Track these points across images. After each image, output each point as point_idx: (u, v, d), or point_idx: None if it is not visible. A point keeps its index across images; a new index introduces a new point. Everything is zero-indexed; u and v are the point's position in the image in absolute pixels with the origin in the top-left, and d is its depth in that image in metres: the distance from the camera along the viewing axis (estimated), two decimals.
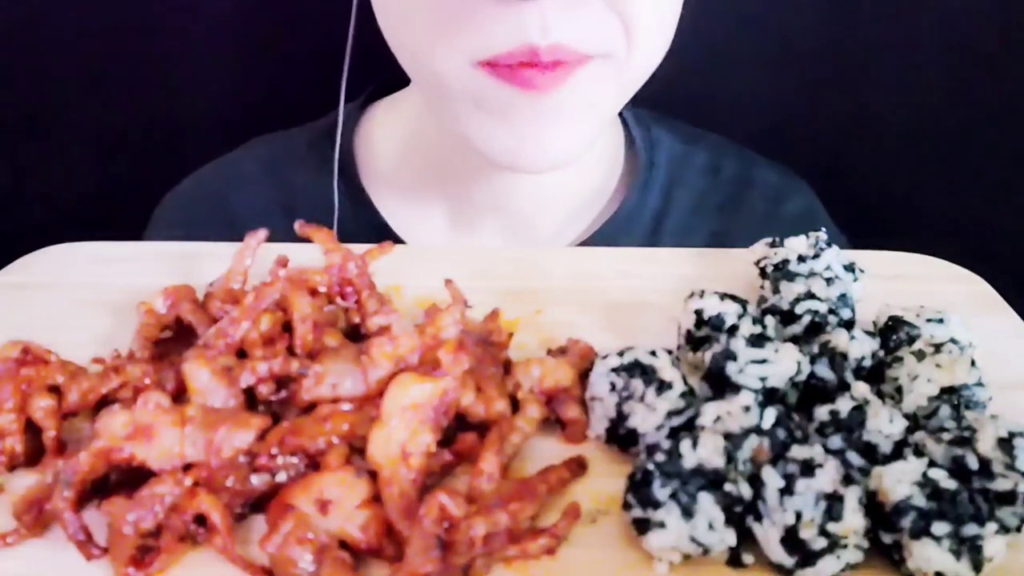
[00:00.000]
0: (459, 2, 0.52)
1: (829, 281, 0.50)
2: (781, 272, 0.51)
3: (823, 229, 0.53)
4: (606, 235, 0.70)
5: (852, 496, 0.37)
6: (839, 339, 0.45)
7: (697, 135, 0.77)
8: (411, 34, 0.56)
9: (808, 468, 0.38)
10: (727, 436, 0.39)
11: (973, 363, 0.44)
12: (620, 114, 0.74)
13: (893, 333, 0.47)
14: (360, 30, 0.62)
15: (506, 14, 0.51)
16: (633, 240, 0.71)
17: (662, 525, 0.37)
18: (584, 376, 0.46)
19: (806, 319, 0.48)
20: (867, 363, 0.45)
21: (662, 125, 0.76)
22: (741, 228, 0.73)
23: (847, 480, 0.37)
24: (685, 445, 0.39)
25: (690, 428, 0.41)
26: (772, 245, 0.53)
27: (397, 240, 0.69)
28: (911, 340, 0.46)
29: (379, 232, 0.69)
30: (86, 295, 0.54)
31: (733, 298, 0.48)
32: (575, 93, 0.54)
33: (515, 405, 0.44)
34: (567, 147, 0.57)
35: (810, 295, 0.49)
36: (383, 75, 0.73)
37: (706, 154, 0.76)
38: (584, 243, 0.71)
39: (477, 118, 0.56)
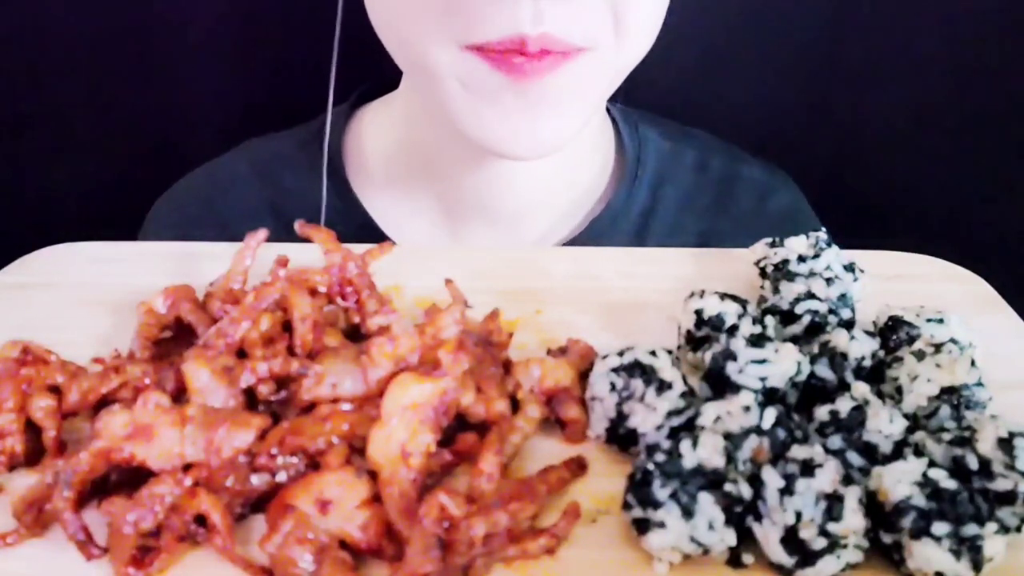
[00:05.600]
0: None
1: (829, 281, 0.50)
2: (781, 272, 0.51)
3: (823, 229, 0.53)
4: (593, 233, 0.70)
5: (852, 496, 0.37)
6: (839, 339, 0.45)
7: (685, 133, 0.77)
8: (402, 18, 0.56)
9: (808, 468, 0.37)
10: (727, 436, 0.39)
11: (973, 363, 0.44)
12: (610, 114, 0.74)
13: (893, 333, 0.47)
14: (351, 31, 0.63)
15: (501, 2, 0.51)
16: (621, 238, 0.71)
17: (662, 525, 0.37)
18: (584, 376, 0.46)
19: (806, 319, 0.48)
20: (867, 363, 0.45)
21: (650, 123, 0.75)
22: (728, 225, 0.73)
23: (847, 480, 0.37)
24: (685, 445, 0.39)
25: (690, 428, 0.41)
26: (772, 245, 0.53)
27: (384, 239, 0.69)
28: (911, 340, 0.46)
29: (367, 231, 0.69)
30: (86, 295, 0.54)
31: (733, 298, 0.48)
32: (562, 82, 0.55)
33: (515, 405, 0.44)
34: (557, 133, 0.58)
35: (810, 295, 0.49)
36: (373, 77, 0.73)
37: (694, 152, 0.76)
38: (572, 242, 0.70)
39: (468, 104, 0.56)
